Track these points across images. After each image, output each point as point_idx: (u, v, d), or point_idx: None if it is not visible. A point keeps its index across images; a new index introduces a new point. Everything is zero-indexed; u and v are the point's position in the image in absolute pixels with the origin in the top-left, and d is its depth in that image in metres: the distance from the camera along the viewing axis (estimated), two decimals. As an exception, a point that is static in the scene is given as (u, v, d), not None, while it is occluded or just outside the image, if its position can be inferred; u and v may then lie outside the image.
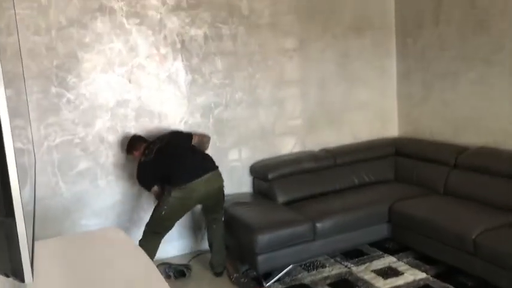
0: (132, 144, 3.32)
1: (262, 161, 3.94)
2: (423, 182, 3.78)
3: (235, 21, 3.72)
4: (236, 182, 3.91)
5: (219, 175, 3.23)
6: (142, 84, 3.46)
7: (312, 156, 3.96)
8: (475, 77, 3.67)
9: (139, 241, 3.09)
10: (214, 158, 3.72)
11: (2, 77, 0.90)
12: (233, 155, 3.89)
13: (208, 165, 3.20)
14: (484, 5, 3.51)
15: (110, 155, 3.46)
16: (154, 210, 3.14)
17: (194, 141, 3.32)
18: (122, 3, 3.34)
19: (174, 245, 3.71)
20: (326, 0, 4.06)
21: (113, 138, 3.45)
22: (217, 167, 3.23)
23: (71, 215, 3.38)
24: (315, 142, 4.16)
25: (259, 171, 3.84)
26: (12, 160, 0.88)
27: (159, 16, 3.46)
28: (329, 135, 4.22)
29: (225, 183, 3.78)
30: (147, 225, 3.15)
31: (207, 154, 3.31)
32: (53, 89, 3.25)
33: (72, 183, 3.37)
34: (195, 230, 3.78)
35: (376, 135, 4.37)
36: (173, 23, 3.51)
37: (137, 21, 3.40)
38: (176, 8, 3.50)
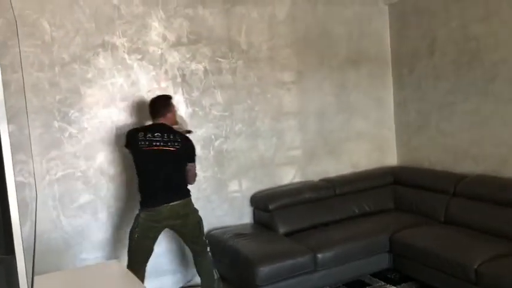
0: (155, 107, 3.15)
1: (263, 191, 3.95)
2: (423, 211, 3.78)
3: (235, 56, 3.81)
4: (237, 213, 3.92)
5: (188, 203, 3.11)
6: (144, 117, 3.52)
7: (312, 186, 3.97)
8: (470, 106, 3.73)
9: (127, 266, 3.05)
10: (214, 189, 3.76)
11: (5, 115, 0.94)
12: (233, 186, 3.91)
13: (180, 192, 3.08)
14: (477, 37, 3.60)
15: (111, 187, 3.48)
16: (129, 238, 3.09)
17: (191, 169, 3.18)
18: (124, 39, 3.44)
19: (173, 278, 3.69)
20: (322, 33, 4.17)
21: (114, 171, 3.49)
22: (188, 196, 3.11)
23: (72, 249, 3.38)
24: (314, 172, 4.19)
25: (260, 202, 3.85)
26: (14, 198, 0.91)
27: (160, 51, 3.55)
28: (328, 165, 4.25)
29: (225, 214, 3.83)
30: (128, 252, 3.10)
31: (185, 181, 3.14)
32: (56, 124, 3.31)
33: (73, 217, 3.38)
34: (186, 263, 3.75)
35: (375, 164, 4.41)
36: (174, 57, 3.60)
37: (139, 56, 3.49)
38: (177, 44, 3.60)
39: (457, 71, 3.81)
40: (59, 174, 3.33)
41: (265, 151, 4.01)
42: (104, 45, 3.39)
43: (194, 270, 3.47)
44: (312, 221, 3.76)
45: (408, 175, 4.14)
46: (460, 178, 3.67)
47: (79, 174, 3.38)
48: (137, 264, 3.05)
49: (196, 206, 3.46)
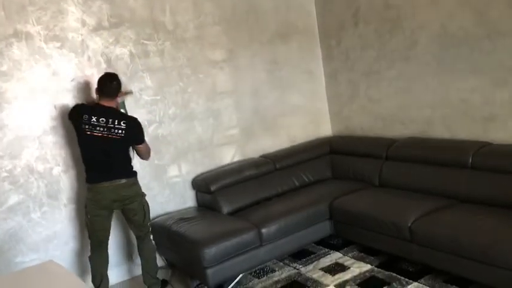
0: (108, 88, 3.03)
1: (204, 173, 3.93)
2: (359, 177, 3.94)
3: (161, 37, 3.69)
4: (179, 197, 3.88)
5: (131, 184, 3.10)
6: (69, 108, 3.33)
7: (253, 164, 4.00)
8: (395, 73, 3.89)
9: (89, 257, 3.20)
10: (153, 176, 3.68)
11: None
12: (173, 171, 3.85)
13: (123, 172, 3.08)
14: (397, 5, 3.73)
15: (41, 185, 3.30)
16: (85, 221, 3.16)
17: (141, 149, 3.19)
18: (39, 27, 3.22)
19: (119, 269, 3.61)
20: (250, 9, 4.14)
21: (43, 167, 3.30)
22: (132, 176, 3.11)
23: (5, 254, 3.18)
24: (254, 149, 4.21)
25: (201, 184, 3.82)
26: None
27: (80, 38, 3.36)
28: (267, 141, 4.29)
29: (167, 200, 3.77)
30: (88, 237, 3.18)
31: (129, 162, 3.14)
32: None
33: (2, 220, 3.18)
34: (130, 255, 3.70)
35: (311, 136, 4.51)
36: (96, 43, 3.43)
37: (57, 44, 3.29)
38: (97, 28, 3.43)
39: (380, 39, 3.94)
40: (-18, 172, 3.10)
41: (202, 133, 3.97)
42: (17, 35, 3.15)
43: (139, 263, 3.42)
44: (254, 197, 3.80)
45: (343, 144, 4.27)
46: (391, 142, 3.85)
47: (5, 174, 3.18)
48: (97, 246, 3.15)
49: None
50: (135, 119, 3.13)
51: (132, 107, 3.59)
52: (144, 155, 3.25)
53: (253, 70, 4.20)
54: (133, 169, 3.17)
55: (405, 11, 3.69)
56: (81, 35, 3.37)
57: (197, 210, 3.82)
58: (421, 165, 3.51)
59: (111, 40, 3.48)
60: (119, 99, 3.20)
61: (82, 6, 3.35)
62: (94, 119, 2.96)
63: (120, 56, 3.53)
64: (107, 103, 3.03)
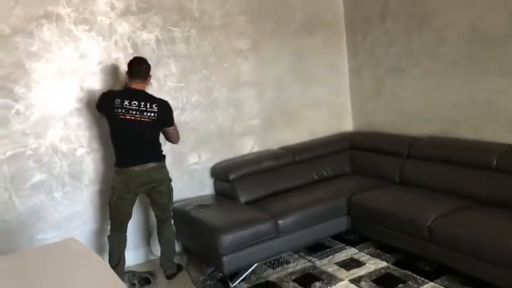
0: (139, 69, 3.09)
1: (223, 162, 3.95)
2: (379, 174, 3.91)
3: (187, 24, 3.71)
4: (198, 184, 3.91)
5: (162, 168, 3.20)
6: (95, 91, 3.38)
7: (272, 155, 4.00)
8: (421, 70, 3.83)
9: (108, 236, 3.25)
10: (173, 162, 3.71)
11: None
12: (193, 158, 3.88)
13: (154, 155, 3.16)
14: (426, 1, 3.67)
15: (64, 165, 3.37)
16: (108, 201, 3.21)
17: (171, 132, 3.27)
18: (69, 9, 3.26)
19: (136, 252, 3.67)
20: (277, 0, 4.12)
21: (67, 147, 3.36)
22: (162, 160, 3.21)
23: (27, 230, 3.26)
24: (273, 141, 4.21)
25: (220, 173, 3.84)
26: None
27: (108, 21, 3.40)
28: (287, 133, 4.28)
29: (186, 186, 3.81)
30: (109, 218, 3.23)
31: (160, 146, 3.23)
32: (0, 101, 3.13)
33: (26, 197, 3.25)
34: (148, 238, 3.76)
35: (332, 130, 4.48)
36: (123, 27, 3.46)
37: (86, 27, 3.33)
38: (126, 13, 3.45)
39: (407, 36, 3.88)
40: (8, 153, 3.18)
41: (223, 122, 3.98)
42: (47, 16, 3.20)
43: (157, 247, 3.47)
44: (272, 188, 3.80)
45: (364, 140, 4.24)
46: (413, 140, 3.80)
47: (30, 152, 3.24)
48: (117, 228, 3.20)
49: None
50: (166, 102, 3.19)
51: (156, 93, 3.61)
52: (174, 138, 3.32)
53: (277, 61, 4.18)
54: (163, 153, 3.24)
55: (435, 8, 3.62)
56: (110, 18, 3.40)
57: (215, 198, 3.85)
58: (444, 165, 3.47)
59: (138, 25, 3.51)
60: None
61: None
62: (126, 102, 3.01)
63: (146, 41, 3.55)
64: (137, 86, 3.08)
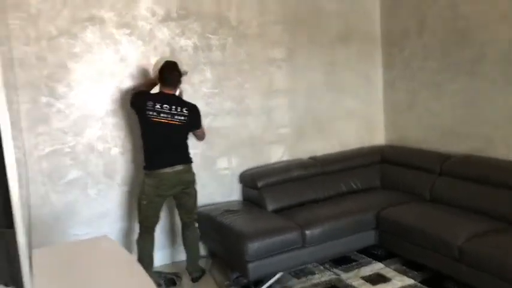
0: (171, 78, 3.17)
1: (252, 169, 3.98)
2: (409, 189, 3.85)
3: (224, 32, 3.77)
4: (226, 190, 3.95)
5: (190, 170, 3.29)
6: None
7: (301, 164, 4.01)
8: (458, 86, 3.77)
9: (137, 240, 3.30)
10: (204, 166, 3.77)
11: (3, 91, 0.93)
12: (222, 163, 3.93)
13: (183, 157, 3.25)
14: (466, 16, 3.62)
15: (100, 164, 3.47)
16: (137, 204, 3.26)
17: (199, 133, 3.42)
18: (112, 13, 3.37)
19: (163, 253, 3.73)
20: (313, 10, 4.14)
21: (103, 147, 3.47)
22: (190, 162, 3.29)
23: (61, 225, 3.37)
24: (303, 150, 4.21)
25: (249, 180, 3.87)
26: (14, 173, 0.91)
27: (149, 27, 3.49)
28: (317, 143, 4.28)
29: (214, 191, 3.85)
30: (138, 222, 3.28)
31: (188, 148, 3.31)
32: (43, 99, 3.26)
33: (62, 193, 3.36)
34: (175, 240, 3.81)
35: (363, 143, 4.45)
36: (163, 33, 3.55)
37: (127, 31, 3.43)
38: (166, 19, 3.54)
39: (445, 50, 3.83)
40: (47, 150, 3.30)
41: (254, 129, 4.02)
42: (91, 19, 3.32)
43: (182, 248, 3.51)
44: (300, 198, 3.81)
45: (395, 154, 4.20)
46: (446, 157, 3.74)
47: (67, 150, 3.36)
48: (146, 232, 3.26)
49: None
50: (195, 106, 3.29)
51: (191, 98, 3.69)
52: (201, 138, 3.48)
53: (311, 71, 4.20)
54: (191, 155, 3.32)
55: (475, 24, 3.57)
56: (150, 24, 3.50)
57: (242, 204, 3.88)
58: (477, 184, 3.40)
59: (177, 31, 3.59)
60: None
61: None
62: (158, 105, 3.10)
63: (184, 47, 3.63)
64: (169, 91, 3.17)
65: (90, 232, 3.39)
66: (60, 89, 3.30)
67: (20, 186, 0.96)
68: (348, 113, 4.40)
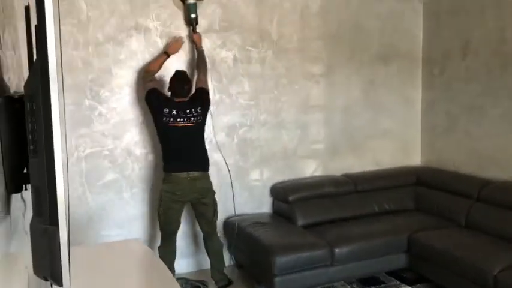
0: (184, 91, 3.22)
1: (283, 182, 3.97)
2: (444, 214, 3.75)
3: (265, 45, 3.81)
4: (256, 201, 3.95)
5: (206, 178, 3.27)
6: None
7: (333, 181, 3.97)
8: (501, 112, 3.66)
9: (158, 247, 3.33)
10: (236, 176, 3.79)
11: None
12: (254, 174, 3.94)
13: (200, 164, 3.25)
14: (513, 40, 3.53)
15: (136, 168, 3.55)
16: (157, 211, 3.30)
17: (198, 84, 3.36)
18: (157, 23, 3.48)
19: (189, 261, 3.76)
20: (354, 27, 4.13)
21: (140, 152, 3.55)
22: (207, 170, 3.28)
23: (95, 225, 3.47)
24: (337, 167, 4.18)
25: (280, 193, 3.87)
26: (60, 170, 0.95)
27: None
28: (351, 161, 4.23)
29: (245, 202, 3.86)
30: (160, 228, 3.33)
31: (206, 153, 3.32)
32: (86, 102, 3.39)
33: (97, 194, 3.46)
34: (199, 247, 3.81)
35: (399, 163, 4.37)
36: (205, 44, 3.62)
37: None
38: (208, 30, 3.62)
39: (489, 74, 3.74)
40: (87, 151, 3.41)
41: (288, 142, 4.02)
42: (137, 28, 3.44)
43: (206, 257, 3.51)
44: (331, 215, 3.77)
45: (431, 176, 4.10)
46: (485, 183, 3.62)
47: (106, 152, 3.46)
48: (167, 239, 3.29)
49: (217, 191, 3.52)
50: (205, 92, 3.31)
51: (228, 109, 3.75)
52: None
53: (349, 88, 4.18)
54: (208, 160, 3.31)
55: (522, 48, 3.47)
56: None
57: (272, 217, 3.88)
58: (516, 213, 3.27)
59: (219, 43, 3.66)
60: (191, 1, 3.39)
61: (199, 8, 3.56)
62: (174, 111, 3.15)
63: (224, 58, 3.70)
64: (181, 100, 3.22)
65: (121, 234, 3.47)
66: (103, 93, 3.42)
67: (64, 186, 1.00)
68: (385, 132, 4.34)
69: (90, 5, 3.31)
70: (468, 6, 3.89)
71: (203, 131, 3.31)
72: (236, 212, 3.82)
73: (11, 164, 1.20)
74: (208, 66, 3.49)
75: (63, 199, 0.96)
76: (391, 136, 4.37)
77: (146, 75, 3.34)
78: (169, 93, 3.30)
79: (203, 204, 3.28)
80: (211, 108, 3.67)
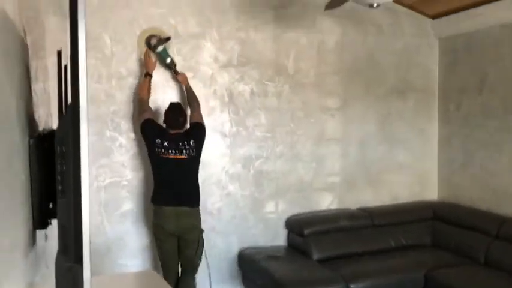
0: (178, 123, 3.20)
1: (299, 215, 3.97)
2: (462, 250, 3.69)
3: (281, 80, 3.89)
4: (271, 234, 3.95)
5: (194, 214, 3.18)
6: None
7: (349, 215, 3.96)
8: (519, 147, 3.64)
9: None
10: (251, 208, 3.81)
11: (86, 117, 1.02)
12: (270, 207, 3.96)
13: (189, 199, 3.18)
14: (530, 77, 3.54)
15: (152, 198, 3.60)
16: (157, 247, 3.28)
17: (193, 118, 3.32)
18: (179, 57, 3.59)
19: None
20: (370, 62, 4.19)
21: (157, 182, 3.61)
22: (196, 206, 3.20)
23: (111, 254, 3.50)
24: (352, 200, 4.17)
25: (295, 226, 3.87)
26: (87, 207, 1.00)
27: (211, 71, 3.68)
28: (367, 194, 4.22)
29: (259, 234, 3.86)
30: (161, 266, 3.29)
31: (197, 188, 3.26)
32: (108, 133, 3.48)
33: (115, 223, 3.51)
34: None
35: (415, 197, 4.34)
36: (223, 78, 3.72)
37: (191, 75, 3.62)
38: (227, 65, 3.72)
39: (505, 109, 3.74)
40: (107, 181, 3.48)
41: (304, 175, 4.04)
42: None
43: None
44: (346, 249, 3.74)
45: (449, 212, 4.05)
46: (504, 220, 3.57)
47: (125, 183, 3.52)
48: (168, 273, 3.22)
49: (232, 223, 3.55)
50: (199, 129, 3.27)
51: (244, 141, 3.81)
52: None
53: (364, 122, 4.21)
54: (199, 197, 3.25)
55: (539, 85, 3.47)
56: (212, 69, 3.68)
57: (287, 250, 3.86)
58: (537, 252, 3.21)
59: (237, 77, 3.76)
60: (159, 49, 3.36)
61: (218, 43, 3.67)
62: (166, 143, 3.13)
63: (241, 92, 3.78)
64: (175, 131, 3.21)
65: (136, 264, 3.50)
66: (124, 124, 3.51)
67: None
68: (401, 166, 4.33)
69: (114, 40, 3.44)
70: (484, 42, 3.93)
71: (197, 165, 3.25)
72: (250, 244, 3.82)
73: (39, 201, 1.26)
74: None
75: (88, 240, 1.00)
76: (408, 170, 4.35)
77: (139, 104, 3.36)
78: (164, 125, 3.29)
79: (185, 240, 3.18)
80: (228, 140, 3.76)
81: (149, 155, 3.24)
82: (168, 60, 3.45)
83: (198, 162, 3.27)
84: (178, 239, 3.21)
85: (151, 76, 3.37)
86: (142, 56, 3.42)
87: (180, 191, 3.15)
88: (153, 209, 3.24)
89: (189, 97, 3.42)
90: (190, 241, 3.18)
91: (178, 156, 3.15)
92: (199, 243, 3.20)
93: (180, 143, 3.16)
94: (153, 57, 3.40)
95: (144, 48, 3.41)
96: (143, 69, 3.44)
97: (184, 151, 3.16)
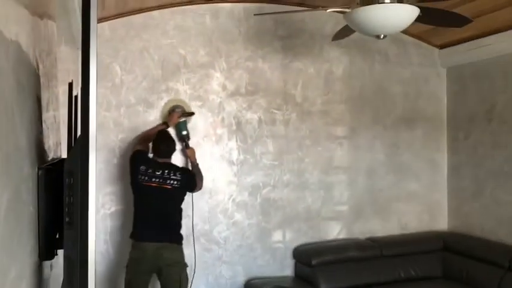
0: (167, 152, 3.18)
1: (306, 244, 3.92)
2: (474, 283, 3.60)
3: (289, 108, 3.91)
4: (278, 264, 3.89)
5: (176, 249, 3.07)
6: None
7: (358, 245, 3.90)
8: (530, 178, 3.59)
9: None
10: (258, 237, 3.76)
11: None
12: (277, 236, 3.91)
13: (169, 235, 3.07)
14: (539, 107, 3.52)
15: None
16: (125, 282, 3.07)
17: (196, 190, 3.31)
18: (187, 86, 3.63)
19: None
20: (378, 91, 4.21)
21: (163, 210, 3.59)
22: (178, 242, 3.10)
23: (113, 281, 3.45)
24: (361, 230, 4.11)
25: (303, 256, 3.81)
26: (93, 249, 0.99)
27: (219, 100, 3.71)
28: (376, 224, 4.17)
29: (266, 264, 3.81)
30: None
31: (178, 225, 3.15)
32: (115, 160, 3.49)
33: (119, 251, 3.48)
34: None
35: (425, 227, 4.28)
36: (231, 106, 3.74)
37: (199, 103, 3.66)
38: (235, 94, 3.76)
39: (516, 139, 3.71)
40: (113, 209, 3.47)
41: (311, 203, 4.00)
42: (167, 91, 3.59)
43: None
44: (355, 280, 3.67)
45: (459, 242, 3.97)
46: (516, 252, 3.49)
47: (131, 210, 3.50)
48: None
49: (238, 253, 3.50)
50: (189, 171, 3.29)
51: (252, 169, 3.80)
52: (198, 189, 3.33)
53: (372, 151, 4.19)
54: (181, 235, 3.14)
55: (549, 115, 3.45)
56: (220, 98, 3.72)
57: (294, 281, 3.80)
58: (552, 285, 3.12)
59: (244, 105, 3.78)
60: (181, 119, 3.44)
61: (226, 72, 3.71)
62: (150, 170, 3.07)
63: (249, 120, 3.80)
64: (163, 161, 3.17)
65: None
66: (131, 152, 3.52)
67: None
68: (410, 196, 4.28)
69: (125, 69, 3.50)
70: (492, 71, 3.93)
71: (180, 198, 3.16)
72: (257, 274, 3.76)
73: (46, 232, 1.25)
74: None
75: (94, 273, 0.99)
76: (417, 199, 4.30)
77: (141, 139, 3.37)
78: (151, 155, 3.24)
79: (165, 275, 3.02)
80: (235, 168, 3.75)
81: (131, 183, 3.14)
82: (184, 132, 3.48)
83: (182, 196, 3.17)
84: (159, 277, 3.06)
85: (168, 126, 3.40)
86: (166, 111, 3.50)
87: (162, 225, 3.04)
88: (131, 243, 3.10)
89: (195, 172, 3.37)
90: (170, 276, 3.02)
91: (163, 186, 3.06)
92: (180, 279, 3.03)
93: (166, 171, 3.08)
94: (178, 114, 3.45)
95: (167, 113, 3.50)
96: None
97: (169, 181, 3.07)
